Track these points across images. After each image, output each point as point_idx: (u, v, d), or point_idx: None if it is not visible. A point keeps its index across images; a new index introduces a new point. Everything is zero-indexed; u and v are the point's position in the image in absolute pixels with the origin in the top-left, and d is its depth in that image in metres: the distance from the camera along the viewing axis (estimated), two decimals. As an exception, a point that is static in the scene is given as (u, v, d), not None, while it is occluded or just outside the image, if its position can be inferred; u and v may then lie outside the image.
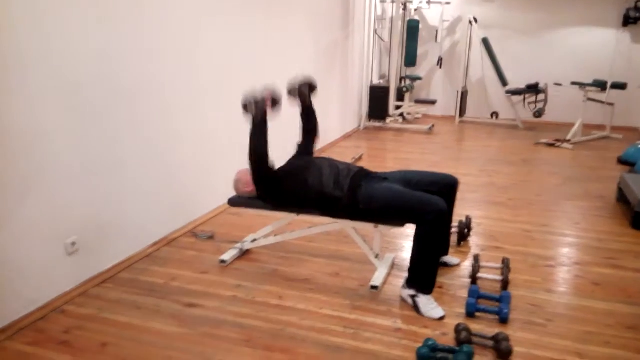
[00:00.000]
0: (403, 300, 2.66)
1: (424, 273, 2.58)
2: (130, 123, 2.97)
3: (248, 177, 2.90)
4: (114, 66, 2.82)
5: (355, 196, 2.65)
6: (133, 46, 2.95)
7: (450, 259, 3.10)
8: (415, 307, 2.57)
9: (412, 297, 2.59)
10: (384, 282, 2.85)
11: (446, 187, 2.83)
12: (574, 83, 7.47)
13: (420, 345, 2.19)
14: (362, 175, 2.75)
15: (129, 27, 2.90)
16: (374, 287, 2.77)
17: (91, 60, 2.66)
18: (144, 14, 3.01)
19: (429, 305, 2.55)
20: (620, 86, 7.29)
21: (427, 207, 2.50)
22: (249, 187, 2.91)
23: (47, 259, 2.52)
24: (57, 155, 2.50)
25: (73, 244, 2.65)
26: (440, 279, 2.90)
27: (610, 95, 7.32)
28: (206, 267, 3.04)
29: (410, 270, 2.62)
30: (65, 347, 2.26)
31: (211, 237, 3.48)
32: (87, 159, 2.69)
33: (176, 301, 2.64)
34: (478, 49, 8.64)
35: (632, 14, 7.90)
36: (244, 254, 3.23)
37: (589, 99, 7.26)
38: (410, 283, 2.62)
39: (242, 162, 4.28)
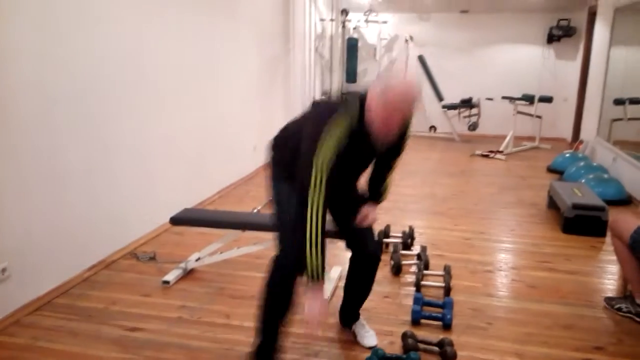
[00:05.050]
0: None
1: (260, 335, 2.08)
2: (65, 136, 2.85)
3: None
4: (50, 72, 2.71)
5: None
6: (72, 52, 2.84)
7: (363, 332, 2.43)
8: None
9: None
10: (332, 296, 2.87)
11: (363, 257, 2.31)
12: (504, 97, 7.88)
13: (368, 355, 2.21)
14: None
15: (66, 30, 2.80)
16: (321, 301, 2.75)
17: (24, 65, 2.54)
18: (83, 19, 2.92)
19: None
20: (547, 99, 7.75)
21: (287, 244, 1.98)
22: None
23: (-26, 288, 2.36)
24: (-16, 176, 2.37)
25: (4, 270, 2.49)
26: (386, 289, 2.96)
27: (538, 108, 7.78)
28: (148, 290, 2.94)
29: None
30: (-4, 381, 2.12)
31: (153, 258, 3.38)
32: (17, 176, 2.55)
33: (117, 326, 2.54)
34: (415, 66, 8.95)
35: (555, 32, 8.46)
36: (188, 273, 3.15)
37: (519, 112, 7.67)
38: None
39: (182, 181, 4.22)
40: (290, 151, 2.00)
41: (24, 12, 2.51)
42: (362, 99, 1.89)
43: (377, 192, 2.31)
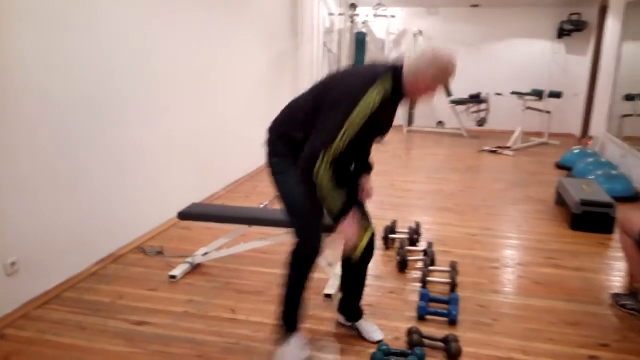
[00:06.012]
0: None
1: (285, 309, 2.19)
2: (72, 135, 2.87)
3: None
4: (55, 74, 2.72)
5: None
6: (77, 53, 2.86)
7: (369, 327, 2.45)
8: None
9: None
10: (338, 290, 2.87)
11: None
12: (513, 93, 7.83)
13: (374, 350, 2.22)
14: None
15: (70, 32, 2.81)
16: (327, 296, 2.78)
17: (29, 68, 2.55)
18: (86, 20, 2.93)
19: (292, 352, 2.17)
20: (556, 95, 7.69)
21: (304, 234, 2.07)
22: None
23: (-17, 282, 2.39)
24: (-7, 171, 2.39)
25: (13, 264, 2.52)
26: (392, 285, 2.96)
27: (548, 103, 7.71)
28: (155, 284, 2.97)
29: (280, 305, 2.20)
30: (5, 373, 2.15)
31: (160, 253, 3.40)
32: (27, 174, 2.58)
33: (124, 320, 2.56)
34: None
35: (566, 26, 8.38)
36: (195, 268, 3.17)
37: (528, 108, 7.62)
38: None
39: (190, 176, 4.24)
40: (302, 127, 2.06)
41: (26, 15, 2.52)
42: (393, 69, 1.99)
43: (367, 165, 2.34)
